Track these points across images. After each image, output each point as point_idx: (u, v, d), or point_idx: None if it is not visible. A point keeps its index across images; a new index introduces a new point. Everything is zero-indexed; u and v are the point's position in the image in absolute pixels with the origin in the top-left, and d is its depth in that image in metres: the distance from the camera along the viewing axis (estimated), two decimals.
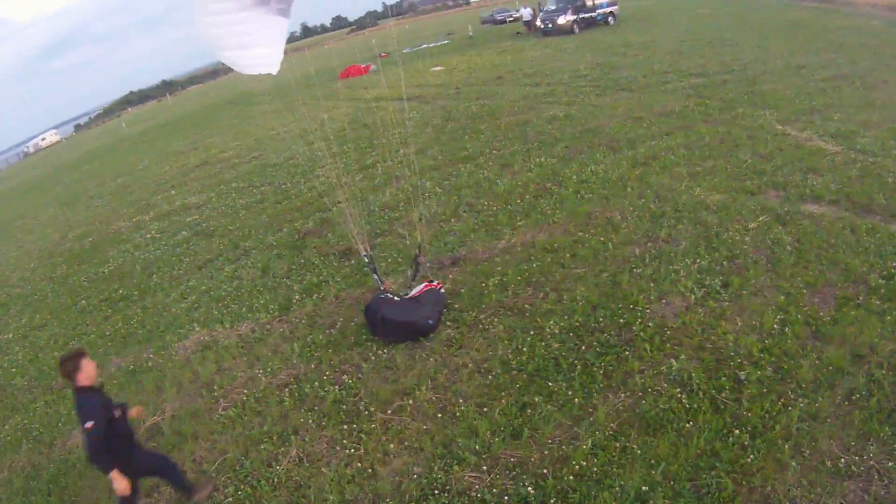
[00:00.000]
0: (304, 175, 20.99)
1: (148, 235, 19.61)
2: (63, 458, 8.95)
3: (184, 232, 18.76)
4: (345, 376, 9.04)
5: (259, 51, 8.23)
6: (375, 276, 10.55)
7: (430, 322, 9.48)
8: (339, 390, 8.74)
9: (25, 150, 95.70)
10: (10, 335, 14.54)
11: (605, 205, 12.41)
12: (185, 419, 9.00)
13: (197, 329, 11.67)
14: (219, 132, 39.11)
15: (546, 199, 13.29)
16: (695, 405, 7.10)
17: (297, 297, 11.87)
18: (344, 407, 8.42)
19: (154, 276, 15.65)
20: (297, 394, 8.92)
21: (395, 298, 9.89)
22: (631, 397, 7.47)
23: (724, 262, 9.66)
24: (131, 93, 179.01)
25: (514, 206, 13.33)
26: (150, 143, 46.96)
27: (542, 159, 15.89)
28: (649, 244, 10.65)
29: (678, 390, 7.37)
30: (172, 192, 25.27)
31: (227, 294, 12.98)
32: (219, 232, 17.71)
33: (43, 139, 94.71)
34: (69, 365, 6.52)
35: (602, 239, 11.08)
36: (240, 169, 25.62)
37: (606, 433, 7.01)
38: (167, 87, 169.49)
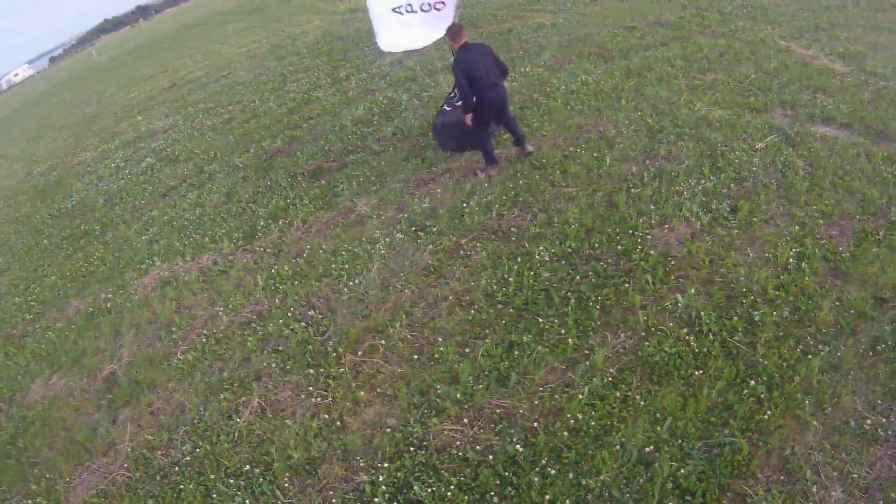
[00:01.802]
0: (273, 92, 19.99)
1: (112, 165, 18.78)
2: (21, 416, 8.36)
3: (148, 159, 17.88)
4: (312, 311, 8.18)
5: None
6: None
7: None
8: (306, 327, 7.89)
9: None
10: None
11: (597, 118, 11.29)
12: (142, 366, 8.33)
13: (157, 263, 10.88)
14: (189, 53, 37.94)
15: (532, 110, 12.16)
16: (704, 349, 6.21)
17: (262, 223, 10.95)
18: (310, 348, 7.56)
19: (117, 207, 14.93)
20: (260, 333, 8.11)
21: (447, 108, 11.43)
22: (632, 338, 6.56)
23: (732, 185, 8.62)
24: (105, 21, 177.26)
25: (484, 176, 11.93)
26: (118, 69, 46.03)
27: (528, 69, 14.72)
28: (648, 162, 9.55)
29: (685, 331, 6.46)
30: (139, 117, 24.40)
31: (190, 223, 12.15)
32: (184, 156, 16.81)
33: (16, 74, 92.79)
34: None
35: (595, 155, 9.97)
36: (208, 89, 24.58)
37: (605, 380, 6.14)
38: (142, 12, 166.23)
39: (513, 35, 18.87)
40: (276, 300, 8.65)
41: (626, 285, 7.18)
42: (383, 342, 7.27)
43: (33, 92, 60.83)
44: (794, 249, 7.23)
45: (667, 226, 8.03)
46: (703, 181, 8.72)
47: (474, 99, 9.50)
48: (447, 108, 11.46)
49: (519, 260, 7.95)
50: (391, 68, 17.71)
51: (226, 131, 17.74)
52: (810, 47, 13.00)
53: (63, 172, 20.60)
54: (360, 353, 7.23)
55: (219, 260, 10.23)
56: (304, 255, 9.49)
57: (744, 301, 6.66)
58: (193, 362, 8.01)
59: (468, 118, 9.75)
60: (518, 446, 5.66)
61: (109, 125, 25.12)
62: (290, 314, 8.22)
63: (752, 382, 5.76)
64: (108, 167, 18.71)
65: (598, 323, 6.79)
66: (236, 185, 13.16)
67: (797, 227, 7.59)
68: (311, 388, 6.97)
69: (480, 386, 6.35)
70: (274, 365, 7.47)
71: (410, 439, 6.04)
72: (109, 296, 10.40)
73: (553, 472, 5.38)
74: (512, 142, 10.56)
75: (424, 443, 5.97)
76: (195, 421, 7.09)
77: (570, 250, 7.92)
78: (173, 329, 8.83)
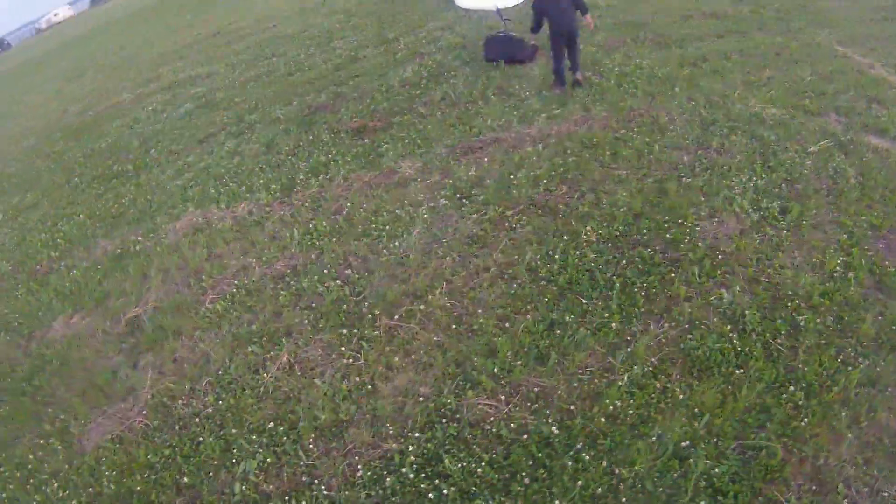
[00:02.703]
0: (319, 47, 19.54)
1: (150, 108, 18.51)
2: (39, 353, 8.26)
3: (187, 104, 17.56)
4: (349, 270, 7.99)
5: None
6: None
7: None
8: (341, 286, 7.71)
9: (38, 26, 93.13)
10: (0, 216, 13.82)
11: (650, 103, 10.93)
12: (168, 312, 8.19)
13: (191, 209, 10.72)
14: (236, 3, 37.27)
15: (584, 89, 11.78)
16: (746, 348, 6.02)
17: (301, 176, 10.72)
18: (345, 308, 7.37)
19: (152, 150, 14.70)
20: (293, 287, 7.93)
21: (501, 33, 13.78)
22: (675, 328, 6.36)
23: (783, 185, 8.30)
24: None
25: (550, 93, 11.85)
26: (162, 15, 45.19)
27: (581, 47, 14.05)
28: (700, 152, 9.23)
29: (729, 328, 6.25)
30: (179, 63, 24.00)
31: (227, 171, 11.92)
32: (223, 104, 16.53)
33: (56, 14, 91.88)
34: None
35: (647, 140, 9.65)
36: (252, 39, 24.10)
37: (645, 369, 5.96)
38: None
39: None
40: (312, 256, 8.48)
41: (672, 275, 6.97)
42: (421, 308, 7.09)
43: (73, 33, 60.48)
44: (840, 258, 6.99)
45: (716, 219, 7.77)
46: (754, 178, 8.43)
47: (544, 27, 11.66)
48: (500, 32, 13.86)
49: (565, 238, 7.72)
50: (442, 33, 17.27)
51: (269, 82, 17.42)
52: (866, 56, 12.52)
53: (99, 113, 20.34)
54: (396, 317, 7.06)
55: (254, 210, 10.04)
56: (344, 212, 9.29)
57: (788, 304, 6.45)
58: (222, 312, 7.86)
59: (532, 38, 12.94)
60: (554, 428, 5.50)
61: (149, 69, 24.75)
62: (325, 271, 8.04)
63: (792, 388, 5.60)
64: (145, 110, 18.44)
65: (642, 310, 6.59)
66: (277, 137, 12.90)
67: (845, 236, 7.33)
68: (343, 348, 6.81)
69: (519, 362, 6.18)
70: (306, 322, 7.31)
71: (443, 410, 5.89)
72: (139, 238, 10.27)
73: (587, 457, 5.24)
74: (569, 67, 11.93)
75: (457, 415, 5.82)
76: (220, 372, 6.95)
77: (617, 233, 7.69)
78: (203, 277, 8.66)
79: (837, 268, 6.86)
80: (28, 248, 11.55)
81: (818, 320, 6.22)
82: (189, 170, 12.64)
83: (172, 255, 9.41)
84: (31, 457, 6.63)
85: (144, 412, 6.74)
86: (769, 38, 13.59)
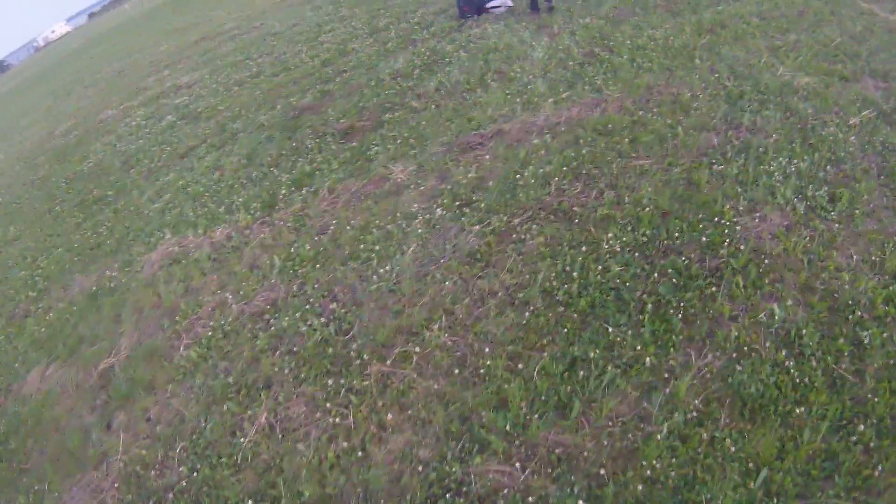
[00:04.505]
0: (307, 43, 18.62)
1: (133, 123, 17.68)
2: (14, 412, 7.60)
3: (169, 116, 16.70)
4: (334, 304, 6.91)
5: None
6: None
7: None
8: (326, 324, 6.65)
9: (36, 44, 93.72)
10: None
11: (668, 78, 9.70)
12: (140, 360, 7.29)
13: (167, 237, 9.77)
14: (224, 4, 36.55)
15: (595, 66, 10.59)
16: (805, 378, 4.85)
17: (284, 190, 9.71)
18: (330, 351, 6.31)
19: (132, 170, 13.79)
20: (273, 328, 6.90)
21: None
22: (721, 358, 5.18)
23: (828, 167, 7.06)
24: None
25: (556, 75, 10.66)
26: (152, 22, 44.98)
27: (587, 20, 13.05)
28: (730, 132, 7.97)
29: (784, 353, 5.07)
30: (165, 72, 23.26)
31: (206, 189, 10.96)
32: (206, 113, 15.57)
33: (53, 31, 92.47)
34: None
35: (669, 121, 8.41)
36: (239, 41, 23.28)
37: (688, 415, 4.80)
38: None
39: None
40: (294, 286, 7.43)
41: (713, 289, 5.78)
42: (417, 349, 5.97)
43: (68, 48, 60.55)
44: None
45: (758, 214, 6.55)
46: (794, 160, 7.19)
47: None
48: None
49: (583, 249, 6.53)
50: (435, 17, 16.25)
51: (253, 86, 16.48)
52: (894, 11, 11.21)
53: (85, 132, 19.58)
54: (388, 361, 5.97)
55: (233, 234, 9.05)
56: (329, 231, 8.25)
57: (849, 317, 5.28)
58: (196, 360, 6.91)
59: None
60: (581, 501, 4.41)
61: (136, 81, 24.02)
62: (308, 305, 7.00)
63: (861, 426, 4.46)
64: (128, 126, 17.64)
65: (680, 338, 5.41)
66: (259, 147, 11.91)
67: None
68: (328, 403, 5.75)
69: (535, 415, 5.05)
70: (287, 370, 6.28)
71: (447, 481, 4.81)
72: (115, 273, 9.39)
73: None
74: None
75: (464, 487, 4.74)
76: (194, 436, 6.01)
77: (644, 239, 6.48)
78: (177, 317, 7.72)
79: None
80: (8, 288, 10.83)
81: (884, 335, 5.07)
82: (168, 190, 11.71)
83: (147, 291, 8.52)
84: None
85: (117, 484, 5.90)
86: None
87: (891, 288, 5.45)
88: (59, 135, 20.96)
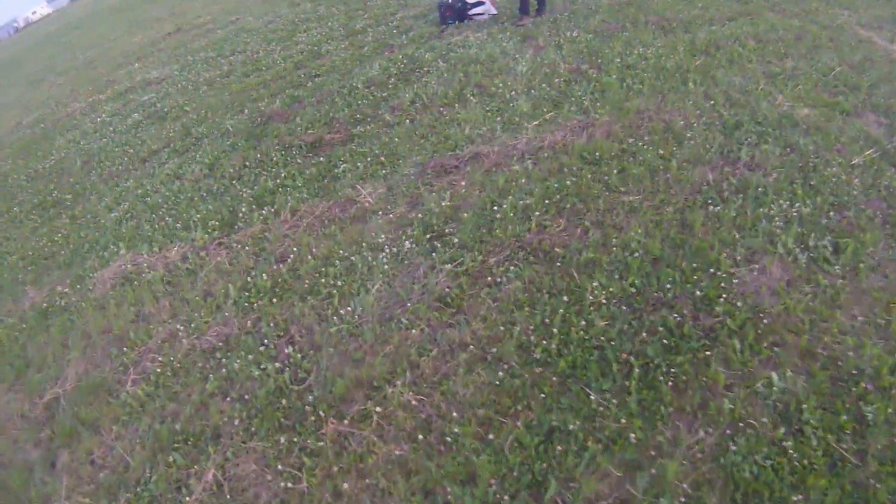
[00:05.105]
0: (281, 42, 17.99)
1: (99, 119, 16.91)
2: None
3: (135, 114, 15.96)
4: (290, 347, 6.31)
5: None
6: None
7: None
8: (280, 370, 6.08)
9: (16, 24, 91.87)
10: None
11: (660, 102, 9.17)
12: (86, 394, 6.71)
13: (122, 252, 9.12)
14: None
15: (582, 85, 10.03)
16: (804, 459, 4.38)
17: (244, 208, 9.08)
18: (284, 402, 5.74)
19: (93, 172, 13.07)
20: (224, 370, 6.30)
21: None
22: (713, 434, 4.66)
23: (831, 213, 6.58)
24: None
25: (540, 92, 10.10)
26: (129, 10, 43.94)
27: (575, 33, 12.52)
28: (727, 168, 7.48)
29: (783, 430, 4.58)
30: (136, 65, 22.48)
31: (165, 200, 10.31)
32: (172, 114, 14.88)
33: (34, 12, 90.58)
34: None
35: (661, 152, 7.90)
36: (212, 36, 22.56)
37: (675, 501, 4.29)
38: None
39: None
40: (249, 322, 6.83)
41: (707, 353, 5.24)
42: (378, 408, 5.40)
43: (45, 31, 59.35)
44: None
45: (756, 265, 6.04)
46: (796, 203, 6.70)
47: None
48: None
49: (565, 299, 5.95)
50: (415, 21, 15.65)
51: (222, 86, 15.81)
52: (893, 41, 10.85)
53: (51, 124, 18.80)
54: (346, 419, 5.40)
55: (189, 254, 8.43)
56: (289, 259, 7.63)
57: (853, 389, 4.81)
58: (143, 399, 6.34)
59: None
60: None
61: (107, 72, 23.22)
62: (262, 347, 6.42)
63: None
64: (93, 122, 16.88)
65: (670, 409, 4.87)
66: (223, 156, 11.28)
67: None
68: (279, 464, 5.21)
69: (506, 495, 4.51)
70: (237, 421, 5.71)
71: None
72: (66, 290, 8.80)
73: None
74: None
75: None
76: (139, 488, 5.48)
77: (632, 290, 5.93)
78: (126, 348, 7.14)
79: None
80: None
81: (889, 410, 4.61)
82: (126, 198, 11.03)
83: (97, 314, 7.89)
84: None
85: None
86: (785, 19, 11.97)
87: None
88: (27, 125, 20.14)
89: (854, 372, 4.90)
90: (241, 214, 8.94)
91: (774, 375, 4.94)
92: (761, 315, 5.45)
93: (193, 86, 16.69)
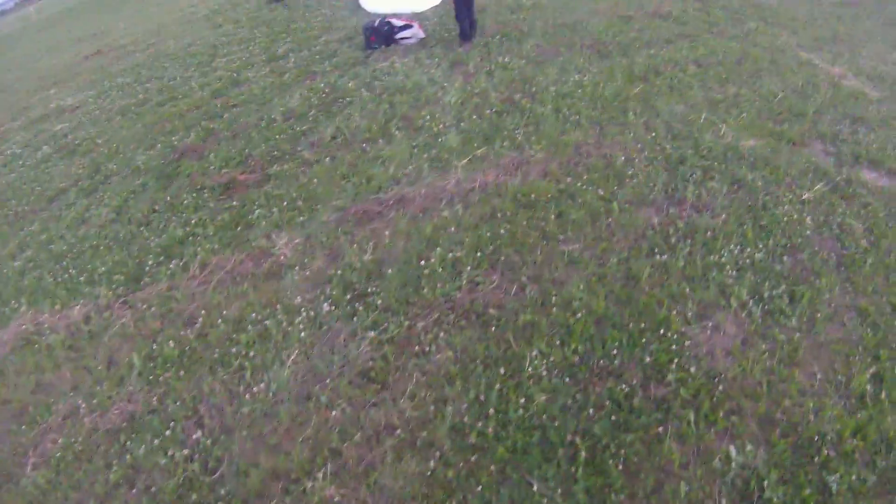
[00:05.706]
0: (199, 68, 17.13)
1: (9, 152, 15.77)
2: None
3: (46, 147, 14.91)
4: (199, 431, 5.67)
5: None
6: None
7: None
8: (189, 458, 5.45)
9: None
10: None
11: (599, 135, 8.79)
12: None
13: (23, 308, 8.31)
14: (127, 15, 34.58)
15: (515, 116, 9.58)
16: None
17: (151, 260, 8.35)
18: (195, 497, 5.10)
19: None
20: (128, 456, 5.63)
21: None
22: None
23: (784, 257, 6.32)
24: None
25: (471, 125, 9.61)
26: (52, 29, 42.37)
27: (507, 58, 12.13)
28: (672, 210, 7.13)
29: None
30: (52, 90, 21.18)
31: (69, 248, 9.50)
32: (83, 147, 13.90)
33: None
34: None
35: (602, 192, 7.50)
36: (131, 59, 21.49)
37: None
38: None
39: (487, 15, 15.92)
40: (155, 398, 6.17)
41: (659, 428, 4.82)
42: None
43: None
44: (869, 369, 5.13)
45: (709, 322, 5.65)
46: (747, 249, 6.41)
47: None
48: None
49: (502, 371, 5.43)
50: (339, 45, 15.05)
51: (136, 116, 14.89)
52: (834, 63, 10.99)
53: None
54: None
55: (92, 314, 7.69)
56: (198, 323, 6.97)
57: (815, 457, 4.51)
58: (45, 488, 5.66)
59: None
60: None
61: (23, 98, 21.90)
62: (169, 430, 5.76)
63: None
64: (3, 155, 15.74)
65: (622, 497, 4.42)
66: (131, 198, 10.46)
67: (869, 331, 5.48)
68: None
69: None
70: None
71: None
72: None
73: None
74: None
75: None
76: None
77: (575, 358, 5.44)
78: (24, 425, 6.43)
79: (867, 385, 4.98)
80: None
81: (853, 477, 4.31)
82: (30, 244, 10.14)
83: None
84: None
85: None
86: (724, 42, 11.87)
87: (858, 415, 4.72)
88: None
89: (815, 438, 4.62)
90: (147, 268, 8.23)
91: (732, 449, 4.59)
92: (716, 380, 5.08)
93: (107, 116, 15.75)
